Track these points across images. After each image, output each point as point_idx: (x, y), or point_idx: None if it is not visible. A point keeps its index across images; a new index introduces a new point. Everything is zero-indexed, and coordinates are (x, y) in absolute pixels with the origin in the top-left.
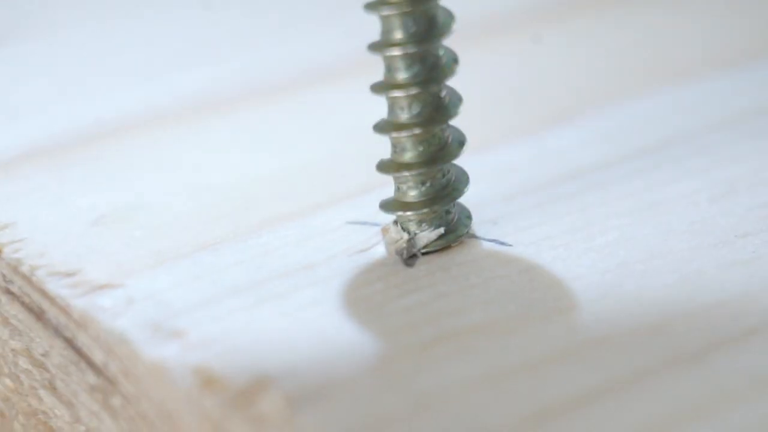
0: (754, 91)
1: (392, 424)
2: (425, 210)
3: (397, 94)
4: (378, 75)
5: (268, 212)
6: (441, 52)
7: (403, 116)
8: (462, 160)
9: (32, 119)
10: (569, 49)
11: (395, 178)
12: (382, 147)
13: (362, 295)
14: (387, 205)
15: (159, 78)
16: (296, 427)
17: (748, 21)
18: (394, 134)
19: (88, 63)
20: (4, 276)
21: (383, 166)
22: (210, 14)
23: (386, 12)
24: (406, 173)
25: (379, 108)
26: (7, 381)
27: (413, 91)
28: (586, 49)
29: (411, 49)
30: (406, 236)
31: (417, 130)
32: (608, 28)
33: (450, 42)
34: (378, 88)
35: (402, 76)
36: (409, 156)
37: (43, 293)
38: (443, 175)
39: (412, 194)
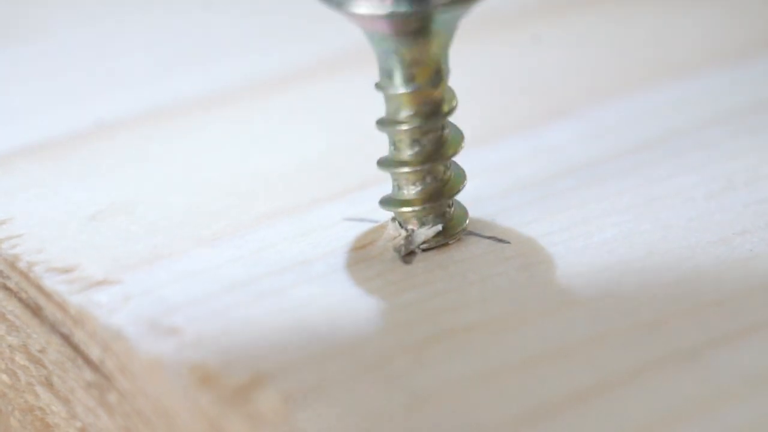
0: (752, 87)
1: (389, 421)
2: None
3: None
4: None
5: (265, 208)
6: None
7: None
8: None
9: (30, 116)
10: (567, 44)
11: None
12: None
13: (359, 291)
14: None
15: (156, 75)
16: (293, 424)
17: (746, 17)
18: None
19: (87, 62)
20: (1, 272)
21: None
22: (207, 13)
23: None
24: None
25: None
26: (4, 377)
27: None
28: (584, 45)
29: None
30: (404, 233)
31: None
32: (606, 24)
33: None
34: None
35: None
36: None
37: (40, 289)
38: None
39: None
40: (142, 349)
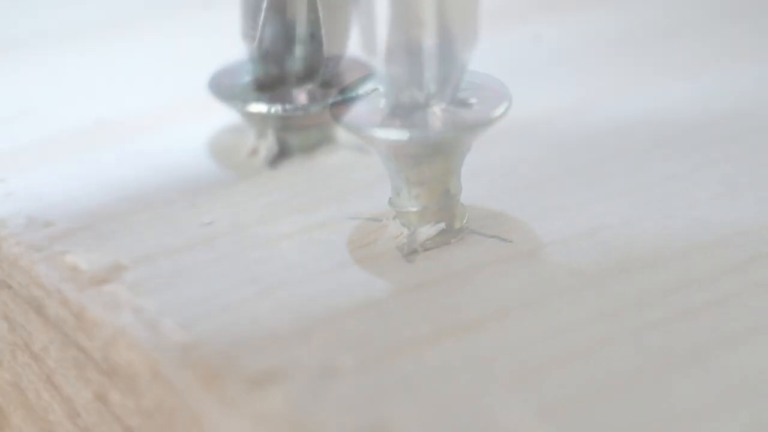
0: (755, 86)
1: (393, 422)
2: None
3: None
4: None
5: (266, 206)
6: None
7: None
8: None
9: (30, 116)
10: (567, 44)
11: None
12: None
13: (361, 290)
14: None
15: (156, 75)
16: (296, 423)
17: (750, 16)
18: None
19: (87, 62)
20: (2, 269)
21: None
22: (207, 13)
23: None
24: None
25: None
26: (6, 375)
27: None
28: (584, 45)
29: None
30: (406, 232)
31: None
32: (608, 23)
33: None
34: None
35: None
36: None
37: (42, 287)
38: None
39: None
40: (146, 348)
